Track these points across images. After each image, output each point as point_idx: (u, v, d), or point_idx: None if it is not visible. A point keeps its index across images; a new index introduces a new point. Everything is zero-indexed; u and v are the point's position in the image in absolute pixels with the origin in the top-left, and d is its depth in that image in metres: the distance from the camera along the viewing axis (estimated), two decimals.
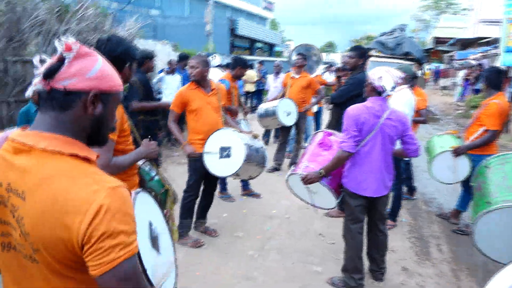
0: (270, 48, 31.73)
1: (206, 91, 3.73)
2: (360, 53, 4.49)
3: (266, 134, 8.82)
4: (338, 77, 7.49)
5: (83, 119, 1.09)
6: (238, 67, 4.98)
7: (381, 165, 3.01)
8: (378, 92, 2.96)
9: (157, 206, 1.77)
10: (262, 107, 6.44)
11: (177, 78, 7.75)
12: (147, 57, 5.02)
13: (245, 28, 24.69)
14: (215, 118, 3.73)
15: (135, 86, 4.67)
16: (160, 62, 10.22)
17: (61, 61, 1.05)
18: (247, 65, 5.11)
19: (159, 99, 7.37)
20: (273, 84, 8.32)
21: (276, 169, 6.79)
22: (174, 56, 12.81)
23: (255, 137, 3.86)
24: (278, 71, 8.45)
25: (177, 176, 5.67)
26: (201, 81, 3.70)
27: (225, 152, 3.57)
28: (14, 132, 1.09)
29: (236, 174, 3.61)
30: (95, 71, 1.08)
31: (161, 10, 29.79)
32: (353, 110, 2.96)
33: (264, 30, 29.46)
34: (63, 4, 7.02)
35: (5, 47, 5.89)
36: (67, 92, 1.06)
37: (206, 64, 3.65)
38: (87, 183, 1.00)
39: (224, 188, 5.43)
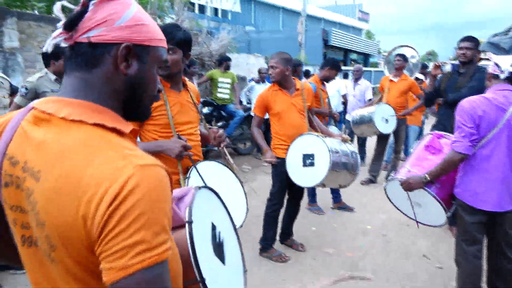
0: (365, 59, 30.56)
1: (290, 92, 3.44)
2: (477, 44, 3.81)
3: (362, 144, 7.89)
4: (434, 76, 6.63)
5: (115, 80, 0.86)
6: (327, 67, 4.61)
7: (506, 172, 2.40)
8: (496, 76, 2.38)
9: (224, 209, 1.50)
10: (357, 113, 5.93)
11: (266, 87, 7.63)
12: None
13: (339, 38, 24.10)
14: (299, 120, 3.41)
15: None
16: (252, 75, 10.28)
17: (85, 6, 0.83)
18: (337, 66, 4.71)
19: (249, 108, 7.30)
20: (351, 92, 7.41)
21: (371, 181, 6.21)
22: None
23: (344, 140, 3.44)
24: (358, 77, 7.36)
25: (265, 186, 5.43)
26: (283, 82, 3.41)
27: (308, 160, 3.23)
28: (39, 100, 0.90)
29: (321, 185, 3.24)
30: (127, 18, 0.85)
31: (255, 26, 30.72)
32: (468, 102, 2.41)
33: (359, 40, 28.48)
34: (162, 17, 7.35)
35: None
36: (92, 45, 0.83)
37: (286, 63, 3.36)
38: (110, 157, 0.75)
39: (313, 200, 5.05)
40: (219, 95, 7.05)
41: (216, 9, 29.34)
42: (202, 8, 27.69)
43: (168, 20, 7.65)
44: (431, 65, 5.12)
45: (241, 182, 2.28)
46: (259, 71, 7.72)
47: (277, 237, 3.79)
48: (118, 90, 0.87)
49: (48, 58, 3.63)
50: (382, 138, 6.10)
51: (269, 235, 3.62)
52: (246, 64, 13.09)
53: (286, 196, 3.69)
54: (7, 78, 3.28)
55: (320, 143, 3.17)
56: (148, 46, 0.88)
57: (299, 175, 3.29)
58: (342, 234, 4.31)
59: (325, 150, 3.12)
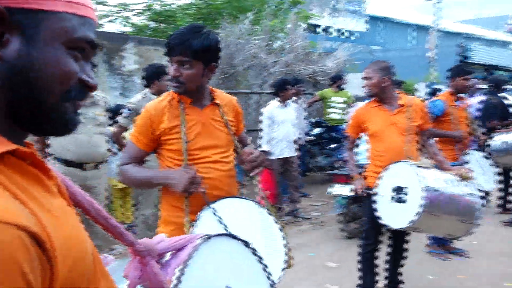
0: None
1: (390, 108, 2.83)
2: None
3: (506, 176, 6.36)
4: None
5: None
6: (456, 77, 3.78)
7: None
8: None
9: (259, 265, 1.08)
10: (500, 139, 4.79)
11: None
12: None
13: (479, 53, 21.38)
14: (399, 143, 2.77)
15: None
16: None
17: None
18: (469, 72, 3.83)
19: None
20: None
21: None
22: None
23: (463, 177, 2.64)
24: (473, 93, 5.86)
25: None
26: (382, 96, 2.83)
27: (398, 194, 2.56)
28: None
29: (414, 229, 2.53)
30: None
31: (383, 45, 29.38)
32: None
33: (505, 55, 24.94)
34: (273, 38, 7.27)
35: (219, 81, 6.38)
36: None
37: (385, 73, 2.77)
38: None
39: (434, 241, 4.18)
40: (330, 115, 6.58)
41: (339, 30, 28.98)
42: (326, 30, 27.59)
43: (276, 42, 7.54)
44: None
45: (279, 226, 1.72)
46: None
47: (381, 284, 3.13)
48: None
49: (149, 79, 3.68)
50: None
51: (367, 282, 2.99)
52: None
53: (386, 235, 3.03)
54: (106, 96, 3.38)
55: (413, 175, 2.49)
56: (39, 11, 0.54)
57: (386, 211, 2.65)
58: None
59: (417, 185, 2.43)
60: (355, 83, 12.67)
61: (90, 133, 3.09)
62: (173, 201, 1.70)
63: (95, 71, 5.09)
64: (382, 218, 2.69)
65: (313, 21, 26.27)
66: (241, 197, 1.74)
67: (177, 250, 0.90)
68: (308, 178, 7.20)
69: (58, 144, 3.07)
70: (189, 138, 1.68)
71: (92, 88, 0.64)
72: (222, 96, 1.86)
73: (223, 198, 1.65)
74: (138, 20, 11.39)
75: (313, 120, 6.67)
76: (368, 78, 2.80)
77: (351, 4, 28.07)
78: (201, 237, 0.93)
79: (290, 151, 4.99)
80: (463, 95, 3.99)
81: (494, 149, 4.82)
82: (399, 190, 2.58)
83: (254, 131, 6.30)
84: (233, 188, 1.79)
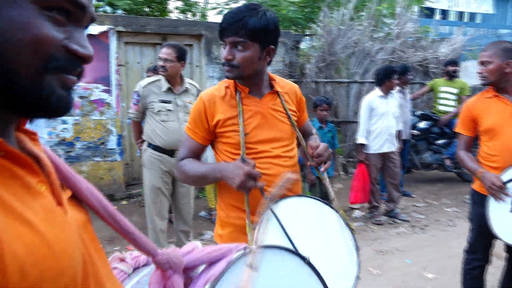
0: None
1: (511, 99, 2.32)
2: None
3: None
4: None
5: None
6: None
7: None
8: None
9: (313, 275, 0.90)
10: None
11: None
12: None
13: None
14: None
15: None
16: None
17: None
18: None
19: None
20: None
21: None
22: None
23: None
24: None
25: None
26: (503, 84, 2.32)
27: None
28: None
29: None
30: None
31: None
32: None
33: None
34: (379, 23, 6.74)
35: (317, 69, 6.14)
36: None
37: (509, 55, 2.26)
38: None
39: None
40: (440, 107, 5.88)
41: (461, 13, 26.10)
42: (444, 13, 25.11)
43: (383, 28, 6.94)
44: None
45: (351, 231, 1.47)
46: None
47: None
48: None
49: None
50: None
51: None
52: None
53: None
54: (196, 85, 3.42)
55: None
56: None
57: (501, 221, 2.18)
58: None
59: None
60: (473, 72, 11.29)
61: (180, 121, 3.15)
62: (231, 199, 1.56)
63: (192, 61, 5.25)
64: (496, 229, 2.25)
65: (429, 3, 24.15)
66: (307, 196, 1.53)
67: (211, 263, 0.77)
68: (412, 175, 6.60)
69: (150, 130, 3.18)
70: (247, 130, 1.52)
71: (84, 59, 0.52)
72: (283, 83, 1.66)
73: (287, 198, 1.45)
74: None
75: (420, 112, 6.05)
76: (485, 63, 2.34)
77: None
78: (241, 250, 0.79)
79: (390, 146, 4.57)
80: None
81: None
82: None
83: (354, 122, 5.95)
84: (296, 186, 1.59)
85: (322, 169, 1.53)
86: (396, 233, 4.40)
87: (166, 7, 8.08)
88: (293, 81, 6.01)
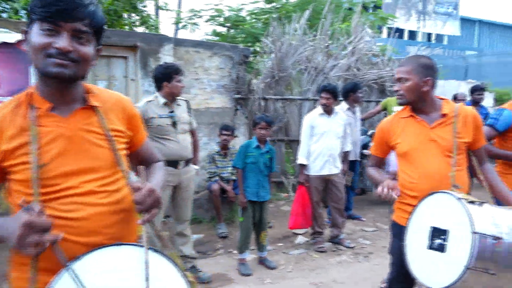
0: None
1: (429, 119, 2.06)
2: None
3: None
4: None
5: None
6: None
7: None
8: None
9: None
10: None
11: None
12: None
13: None
14: (441, 166, 1.98)
15: None
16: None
17: None
18: None
19: None
20: None
21: None
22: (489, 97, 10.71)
23: None
24: None
25: None
26: (419, 103, 2.07)
27: (437, 238, 1.78)
28: None
29: None
30: None
31: (479, 50, 26.47)
32: None
33: None
34: (334, 39, 6.56)
35: (265, 85, 5.86)
36: None
37: (426, 72, 2.01)
38: None
39: None
40: None
41: (429, 35, 26.71)
42: (411, 34, 25.64)
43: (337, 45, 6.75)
44: None
45: (187, 282, 1.14)
46: (455, 97, 5.97)
47: None
48: None
49: (160, 81, 3.32)
50: None
51: None
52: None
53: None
54: (185, 99, 3.54)
55: (460, 213, 1.70)
56: None
57: (421, 261, 1.88)
58: None
59: (465, 229, 1.64)
60: (438, 92, 11.37)
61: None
62: (20, 257, 1.15)
63: (127, 74, 4.89)
64: (413, 270, 1.95)
65: (398, 24, 24.60)
66: (130, 244, 1.16)
67: None
68: (366, 197, 6.35)
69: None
70: (43, 160, 1.13)
71: None
72: (104, 96, 1.30)
73: (99, 248, 1.10)
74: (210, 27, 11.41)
75: (372, 131, 5.83)
76: (401, 80, 2.08)
77: (442, 6, 25.76)
78: None
79: (331, 168, 4.27)
80: None
81: None
82: (439, 233, 1.83)
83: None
84: (125, 229, 1.23)
85: (140, 221, 1.17)
86: (337, 262, 4.07)
87: (118, 18, 7.72)
88: (240, 98, 5.77)
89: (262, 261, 3.95)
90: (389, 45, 7.62)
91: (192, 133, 3.64)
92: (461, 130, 2.01)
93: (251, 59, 6.06)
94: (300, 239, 4.59)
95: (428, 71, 2.04)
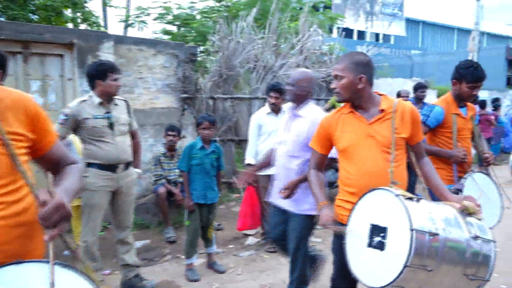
0: None
1: (368, 115, 2.05)
2: None
3: None
4: None
5: None
6: (462, 82, 2.80)
7: None
8: None
9: None
10: None
11: None
12: None
13: None
14: (379, 162, 1.97)
15: None
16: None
17: None
18: (478, 79, 2.81)
19: None
20: None
21: None
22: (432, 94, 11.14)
23: (470, 212, 1.81)
24: None
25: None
26: (356, 100, 2.05)
27: (376, 236, 1.76)
28: None
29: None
30: None
31: (423, 49, 27.76)
32: None
33: None
34: (282, 37, 6.54)
35: (213, 84, 5.73)
36: None
37: (361, 69, 1.99)
38: None
39: None
40: None
41: (377, 35, 27.66)
42: (360, 34, 26.43)
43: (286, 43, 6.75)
44: None
45: None
46: (398, 94, 6.12)
47: None
48: None
49: (93, 78, 3.12)
50: None
51: None
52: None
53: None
54: (123, 99, 3.39)
55: (398, 210, 1.69)
56: None
57: (359, 259, 1.86)
58: None
59: (404, 226, 1.63)
60: (386, 90, 11.75)
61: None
62: None
63: (63, 74, 4.59)
64: (354, 269, 1.91)
65: (347, 25, 25.25)
66: (32, 261, 1.02)
67: None
68: None
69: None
70: None
71: None
72: (1, 95, 1.14)
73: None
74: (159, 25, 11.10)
75: None
76: (338, 77, 2.04)
77: (388, 7, 26.76)
78: None
79: None
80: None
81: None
82: (378, 230, 1.80)
83: None
84: (28, 245, 1.09)
85: (46, 238, 1.02)
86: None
87: (57, 15, 7.29)
88: (187, 97, 5.60)
89: (211, 265, 3.84)
90: (338, 44, 7.74)
91: (133, 134, 3.46)
92: (399, 126, 2.00)
93: (200, 58, 5.91)
94: (251, 240, 4.52)
95: (363, 68, 2.01)
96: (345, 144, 2.04)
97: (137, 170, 3.50)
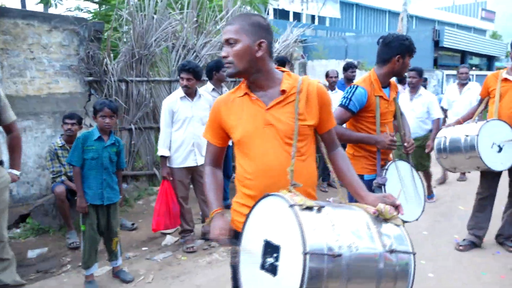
0: (489, 63, 25.93)
1: (266, 98, 1.61)
2: None
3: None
4: None
5: None
6: (395, 56, 2.52)
7: None
8: None
9: None
10: (445, 135, 3.62)
11: (338, 96, 5.69)
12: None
13: (453, 38, 20.53)
14: (280, 157, 1.57)
15: None
16: None
17: None
18: (408, 48, 2.55)
19: None
20: (458, 97, 6.01)
21: (473, 244, 3.84)
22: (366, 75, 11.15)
23: (385, 217, 1.46)
24: (464, 80, 5.97)
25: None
26: (252, 74, 1.59)
27: (269, 256, 1.36)
28: None
29: None
30: None
31: (357, 32, 28.30)
32: None
33: (479, 40, 24.21)
34: (204, 14, 5.98)
35: (126, 65, 5.09)
36: None
37: (260, 34, 1.54)
38: None
39: None
40: None
41: (313, 17, 27.73)
42: (296, 16, 26.33)
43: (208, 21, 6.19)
44: None
45: None
46: (326, 75, 5.84)
47: None
48: None
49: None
50: (491, 177, 3.69)
51: None
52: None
53: None
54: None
55: (293, 225, 1.27)
56: None
57: (253, 285, 1.46)
58: None
59: (297, 247, 1.22)
60: (320, 72, 11.59)
61: None
62: None
63: None
64: None
65: (283, 6, 24.99)
66: None
67: None
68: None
69: None
70: None
71: None
72: None
73: None
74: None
75: None
76: (229, 42, 1.58)
77: None
78: None
79: (196, 159, 3.77)
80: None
81: (437, 147, 3.62)
82: (271, 249, 1.38)
83: None
84: None
85: None
86: (207, 262, 3.61)
87: None
88: (93, 80, 4.91)
89: (116, 274, 3.32)
90: (273, 26, 7.31)
91: (9, 128, 2.83)
92: (303, 111, 1.57)
93: (107, 35, 5.19)
94: (169, 240, 4.04)
95: (263, 32, 1.57)
96: (239, 135, 1.60)
97: (13, 171, 2.87)
